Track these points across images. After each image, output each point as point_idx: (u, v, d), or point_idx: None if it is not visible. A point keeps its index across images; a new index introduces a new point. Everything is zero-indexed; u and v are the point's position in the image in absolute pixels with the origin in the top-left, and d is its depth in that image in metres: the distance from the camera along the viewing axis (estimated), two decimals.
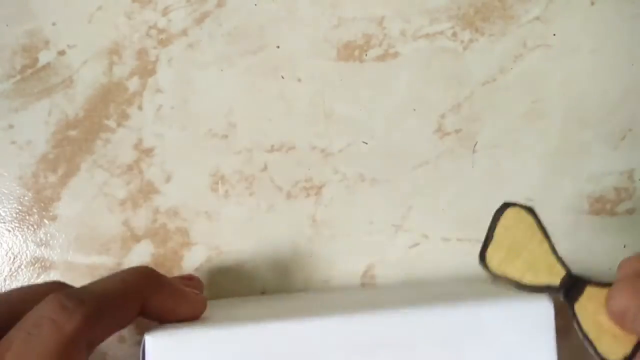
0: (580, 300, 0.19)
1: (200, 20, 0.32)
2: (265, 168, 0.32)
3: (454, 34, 0.33)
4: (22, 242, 0.31)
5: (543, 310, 0.22)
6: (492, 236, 0.19)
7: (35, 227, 0.31)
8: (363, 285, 0.32)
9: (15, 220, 0.31)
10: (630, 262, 0.20)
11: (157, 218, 0.32)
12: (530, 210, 0.19)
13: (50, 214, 0.32)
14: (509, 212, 0.19)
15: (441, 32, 0.33)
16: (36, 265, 0.31)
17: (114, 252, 0.31)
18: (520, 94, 0.33)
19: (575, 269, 0.33)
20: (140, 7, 0.32)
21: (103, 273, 0.31)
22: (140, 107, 0.32)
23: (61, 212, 0.32)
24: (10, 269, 0.31)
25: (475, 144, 0.33)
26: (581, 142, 0.33)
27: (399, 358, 0.21)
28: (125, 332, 0.31)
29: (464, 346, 0.22)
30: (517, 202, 0.19)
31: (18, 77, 0.32)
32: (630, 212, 0.33)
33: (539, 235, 0.19)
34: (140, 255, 0.32)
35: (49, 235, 0.31)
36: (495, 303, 0.22)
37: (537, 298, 0.22)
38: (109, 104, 0.32)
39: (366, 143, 0.33)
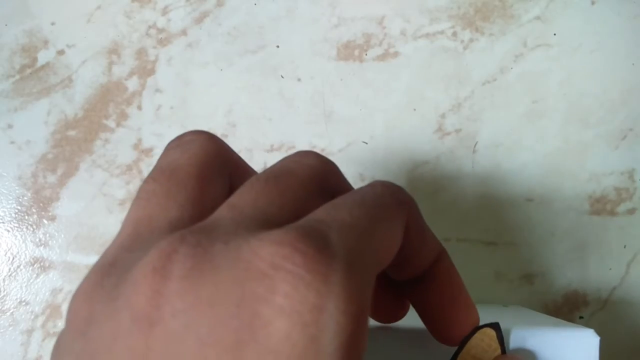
0: None
1: (199, 20, 0.32)
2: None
3: (454, 34, 0.33)
4: (21, 242, 0.31)
5: (588, 342, 0.22)
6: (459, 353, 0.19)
7: (35, 227, 0.31)
8: None
9: (15, 220, 0.31)
10: None
11: None
12: (493, 326, 0.20)
13: (50, 214, 0.31)
14: (478, 334, 0.19)
15: (441, 32, 0.33)
16: (35, 265, 0.31)
17: None
18: (520, 94, 0.33)
19: (576, 269, 0.33)
20: (140, 7, 0.32)
21: None
22: (139, 107, 0.32)
23: (60, 212, 0.31)
24: (10, 269, 0.31)
25: (475, 144, 0.33)
26: (581, 142, 0.33)
27: None
28: None
29: None
30: (484, 325, 0.20)
31: (17, 76, 0.32)
32: (630, 212, 0.33)
33: (498, 349, 0.20)
34: None
35: (48, 235, 0.31)
36: (540, 331, 0.22)
37: (583, 330, 0.22)
38: (108, 104, 0.32)
39: (366, 143, 0.32)
